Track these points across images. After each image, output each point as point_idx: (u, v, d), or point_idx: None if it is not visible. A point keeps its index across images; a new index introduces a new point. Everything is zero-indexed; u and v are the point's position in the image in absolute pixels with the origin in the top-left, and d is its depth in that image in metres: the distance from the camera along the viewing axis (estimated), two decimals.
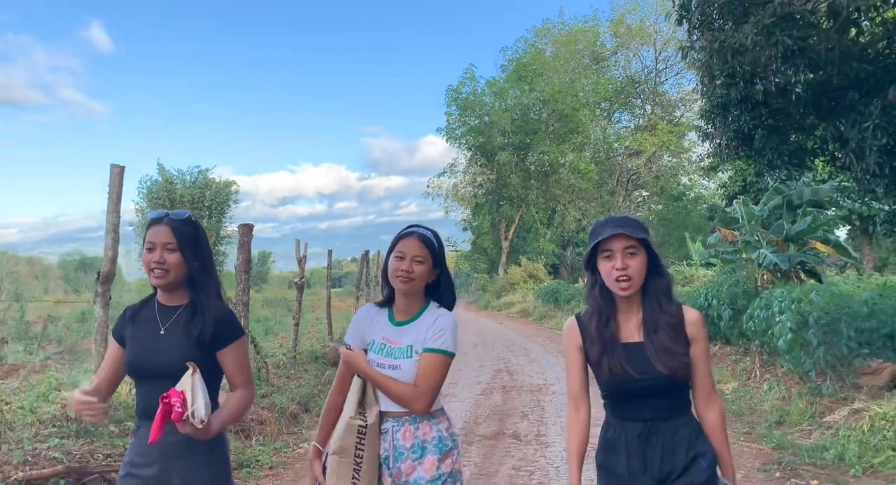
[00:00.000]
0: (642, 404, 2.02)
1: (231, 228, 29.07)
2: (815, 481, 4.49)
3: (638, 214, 40.96)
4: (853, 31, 8.23)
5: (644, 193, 40.63)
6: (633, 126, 39.34)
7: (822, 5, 7.78)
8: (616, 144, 38.40)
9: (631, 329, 2.06)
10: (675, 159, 38.56)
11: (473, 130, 35.35)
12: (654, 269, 2.05)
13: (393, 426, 2.32)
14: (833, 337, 6.39)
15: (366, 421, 2.29)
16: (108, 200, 5.25)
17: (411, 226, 2.43)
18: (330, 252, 14.37)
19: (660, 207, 38.57)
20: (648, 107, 39.46)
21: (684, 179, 39.08)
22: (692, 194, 38.48)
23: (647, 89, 38.93)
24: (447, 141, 36.15)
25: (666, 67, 36.56)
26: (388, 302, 2.44)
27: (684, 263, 24.23)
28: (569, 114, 33.67)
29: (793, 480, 4.57)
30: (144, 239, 2.18)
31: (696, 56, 9.08)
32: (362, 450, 2.29)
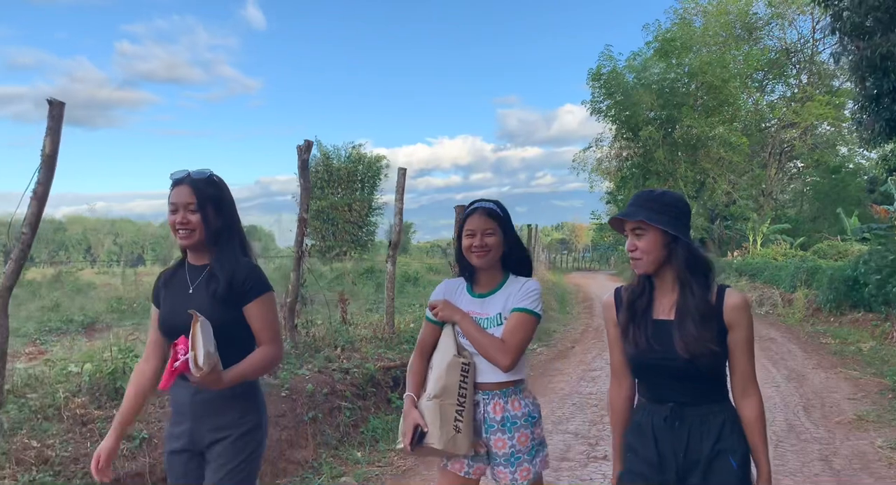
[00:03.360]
0: (668, 385, 1.98)
1: (382, 198, 31.66)
2: None
3: (791, 186, 40.20)
4: None
5: (799, 164, 39.73)
6: (787, 96, 38.50)
7: None
8: (769, 116, 37.81)
9: (665, 307, 2.00)
10: (832, 129, 37.47)
11: (618, 104, 35.82)
12: (672, 248, 1.97)
13: (483, 399, 2.37)
14: None
15: (468, 360, 2.35)
16: (396, 191, 7.58)
17: (474, 202, 2.47)
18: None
19: (815, 178, 37.64)
20: (804, 77, 38.44)
21: (843, 150, 37.90)
22: (851, 165, 37.23)
23: (802, 59, 37.95)
24: (591, 114, 36.83)
25: (824, 36, 35.46)
26: (468, 278, 2.49)
27: (838, 237, 24.33)
28: (718, 86, 33.59)
29: None
30: (169, 201, 2.18)
31: (847, 60, 10.24)
32: (465, 388, 2.32)
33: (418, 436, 2.32)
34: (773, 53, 36.88)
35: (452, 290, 2.50)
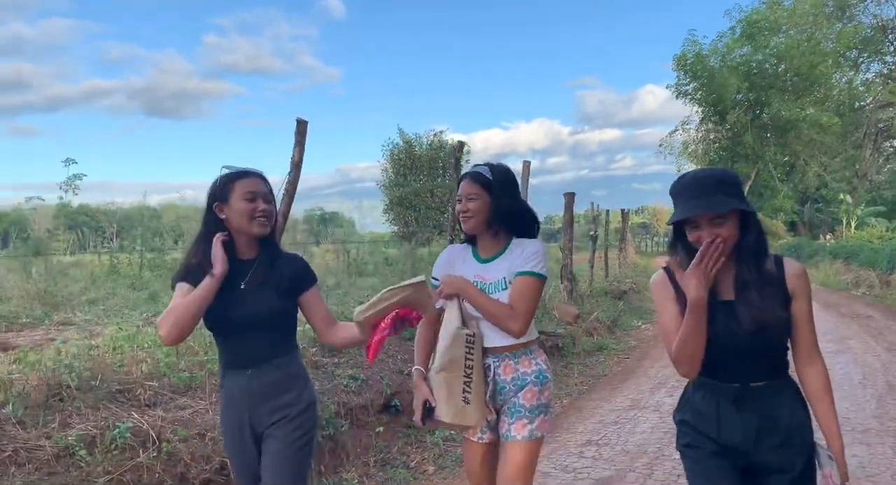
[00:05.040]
0: (736, 363, 1.90)
1: None
2: None
3: (887, 167, 38.93)
4: None
5: (895, 144, 38.46)
6: (884, 73, 37.23)
7: None
8: (865, 95, 36.72)
9: (724, 287, 1.92)
10: None
11: (704, 86, 35.52)
12: (745, 225, 1.89)
13: (494, 362, 2.37)
14: None
15: (473, 330, 2.33)
16: (521, 181, 8.54)
17: (472, 166, 2.49)
18: (595, 205, 17.23)
19: None
20: None
21: None
22: None
23: None
24: (677, 98, 36.66)
25: None
26: (469, 242, 2.51)
27: None
28: (805, 71, 32.89)
29: None
30: (230, 190, 2.19)
31: None
32: (472, 360, 2.30)
33: (427, 410, 2.36)
34: (869, 30, 35.73)
35: (456, 256, 2.52)
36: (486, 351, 2.36)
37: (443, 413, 2.31)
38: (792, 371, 1.95)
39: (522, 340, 2.36)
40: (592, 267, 13.19)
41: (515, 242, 2.41)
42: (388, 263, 19.57)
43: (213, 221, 2.23)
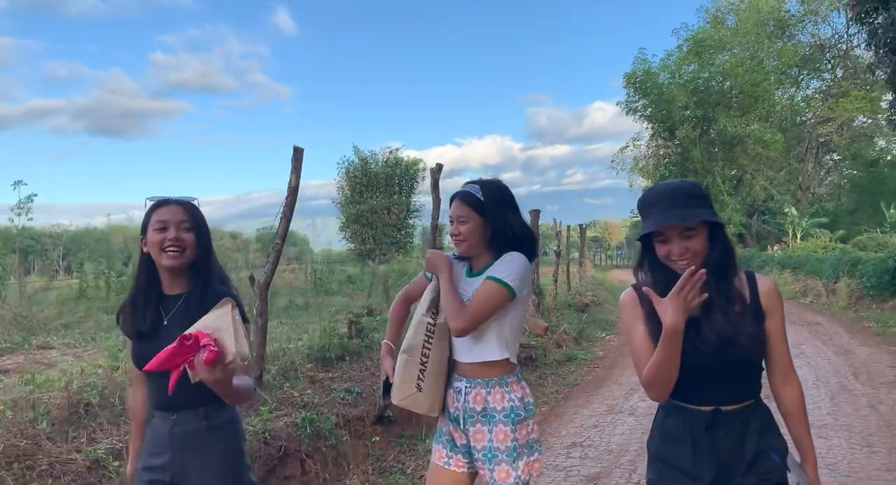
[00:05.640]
0: (708, 384, 1.84)
1: (419, 201, 32.59)
2: None
3: (828, 180, 40.66)
4: None
5: (835, 157, 40.18)
6: (822, 90, 38.98)
7: None
8: (805, 111, 38.38)
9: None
10: (869, 121, 37.87)
11: (653, 103, 36.62)
12: (713, 238, 1.84)
13: (466, 387, 2.29)
14: None
15: (435, 320, 2.28)
16: None
17: (464, 185, 2.38)
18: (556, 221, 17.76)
19: (853, 171, 38.04)
20: (839, 71, 38.92)
21: (881, 142, 38.29)
22: (889, 157, 37.59)
23: (837, 54, 38.46)
24: (627, 114, 37.68)
25: (858, 32, 35.89)
26: (464, 258, 2.41)
27: (878, 230, 25.07)
28: (749, 88, 34.22)
29: None
30: (148, 222, 2.08)
31: (883, 71, 11.30)
32: (429, 350, 2.27)
33: (386, 386, 2.36)
34: (808, 49, 37.43)
35: (455, 266, 2.43)
36: (457, 366, 2.33)
37: (395, 394, 2.33)
38: (765, 396, 1.90)
39: (489, 358, 2.25)
40: (556, 281, 13.63)
41: (504, 255, 2.29)
42: (351, 282, 19.71)
43: (141, 257, 2.14)
